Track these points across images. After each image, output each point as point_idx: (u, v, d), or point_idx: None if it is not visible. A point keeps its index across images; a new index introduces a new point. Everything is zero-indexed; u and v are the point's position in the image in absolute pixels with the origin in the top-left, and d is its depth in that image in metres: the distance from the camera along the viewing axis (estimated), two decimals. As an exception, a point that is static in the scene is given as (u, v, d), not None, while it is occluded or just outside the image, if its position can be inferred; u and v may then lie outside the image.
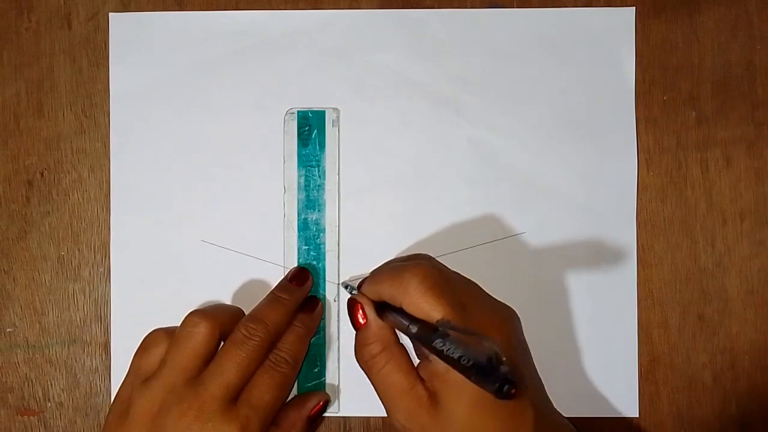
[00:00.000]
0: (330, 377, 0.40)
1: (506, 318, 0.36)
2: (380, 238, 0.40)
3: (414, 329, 0.34)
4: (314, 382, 0.40)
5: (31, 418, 0.41)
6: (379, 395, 0.36)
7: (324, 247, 0.40)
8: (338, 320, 0.40)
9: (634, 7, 0.41)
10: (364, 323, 0.37)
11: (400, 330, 0.35)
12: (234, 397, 0.34)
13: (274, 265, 0.40)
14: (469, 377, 0.31)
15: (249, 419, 0.33)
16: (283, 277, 0.40)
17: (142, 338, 0.36)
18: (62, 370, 0.41)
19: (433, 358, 0.34)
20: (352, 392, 0.40)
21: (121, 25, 0.41)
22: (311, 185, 0.40)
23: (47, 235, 0.41)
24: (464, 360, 0.31)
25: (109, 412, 0.35)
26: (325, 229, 0.40)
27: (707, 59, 0.41)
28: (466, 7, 0.41)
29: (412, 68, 0.41)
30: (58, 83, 0.41)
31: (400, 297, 0.35)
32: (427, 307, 0.34)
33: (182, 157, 0.41)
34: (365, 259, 0.40)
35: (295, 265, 0.40)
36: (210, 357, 0.35)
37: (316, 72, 0.41)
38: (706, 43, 0.41)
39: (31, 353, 0.41)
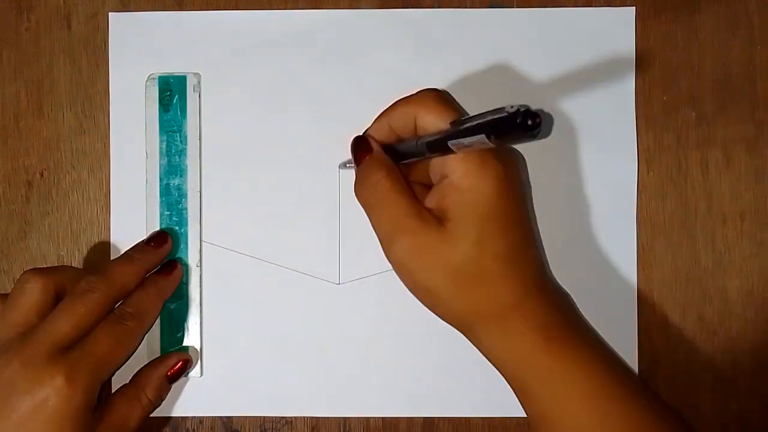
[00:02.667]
0: (192, 341, 0.40)
1: (517, 154, 0.36)
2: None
3: (428, 139, 0.33)
4: (177, 347, 0.40)
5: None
6: (379, 225, 0.35)
7: (186, 213, 0.40)
8: (200, 285, 0.40)
9: (634, 7, 0.41)
10: (369, 154, 0.36)
11: (411, 153, 0.34)
12: (67, 347, 0.34)
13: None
14: (491, 132, 0.28)
15: (77, 364, 0.33)
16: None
17: None
18: (62, 370, 0.41)
19: (451, 165, 0.33)
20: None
21: (120, 25, 0.41)
22: (173, 151, 0.40)
23: (47, 235, 0.41)
24: (483, 121, 0.29)
25: None
26: (187, 194, 0.40)
27: (707, 59, 0.41)
28: (466, 7, 0.41)
29: (411, 68, 0.41)
30: (57, 83, 0.41)
31: (415, 111, 0.34)
32: (445, 113, 0.33)
33: (182, 157, 0.41)
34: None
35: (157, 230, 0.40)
36: (46, 313, 0.35)
37: (316, 72, 0.41)
38: (706, 43, 0.41)
39: (30, 353, 0.41)
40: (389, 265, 0.40)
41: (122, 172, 0.41)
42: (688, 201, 0.41)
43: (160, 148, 0.40)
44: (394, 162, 0.36)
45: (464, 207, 0.33)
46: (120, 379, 0.38)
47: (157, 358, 0.39)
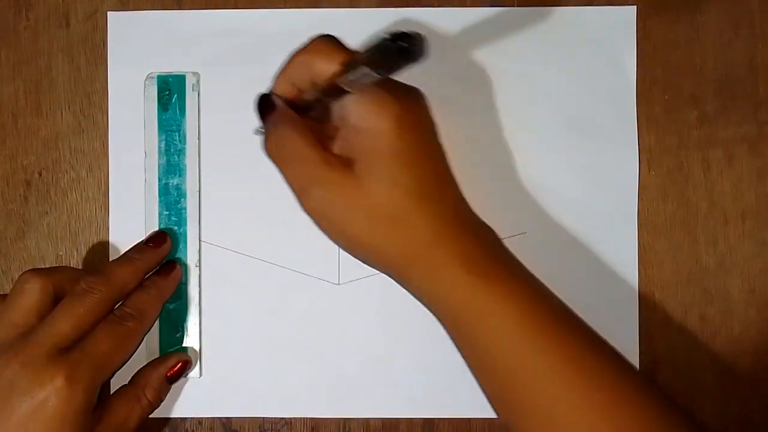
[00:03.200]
0: (191, 342, 0.40)
1: (420, 91, 0.35)
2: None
3: (323, 83, 0.33)
4: (176, 347, 0.40)
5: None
6: (292, 179, 0.34)
7: (185, 213, 0.40)
8: (199, 285, 0.40)
9: (635, 6, 0.41)
10: (274, 111, 0.35)
11: (311, 102, 0.34)
12: (66, 347, 0.33)
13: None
14: (372, 62, 0.28)
15: (77, 364, 0.33)
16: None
17: None
18: (61, 370, 0.41)
19: (349, 108, 0.33)
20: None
21: (119, 23, 0.41)
22: (172, 150, 0.40)
23: (45, 234, 0.41)
24: (367, 51, 0.28)
25: None
26: (186, 194, 0.40)
27: (709, 58, 0.41)
28: (466, 6, 0.41)
29: (411, 67, 0.41)
30: (56, 82, 0.41)
31: (309, 59, 0.34)
32: (338, 55, 0.33)
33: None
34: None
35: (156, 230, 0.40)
36: (45, 313, 0.35)
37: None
38: (708, 42, 0.41)
39: (29, 354, 0.41)
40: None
41: (121, 172, 0.41)
42: (690, 201, 0.41)
43: (159, 147, 0.40)
44: (299, 115, 0.35)
45: (367, 148, 0.33)
46: (119, 379, 0.37)
47: (156, 359, 0.39)
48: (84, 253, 0.41)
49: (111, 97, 0.41)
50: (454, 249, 0.33)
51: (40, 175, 0.41)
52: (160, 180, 0.40)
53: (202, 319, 0.40)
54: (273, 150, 0.35)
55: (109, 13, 0.41)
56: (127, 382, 0.38)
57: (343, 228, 0.34)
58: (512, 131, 0.41)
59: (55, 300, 0.35)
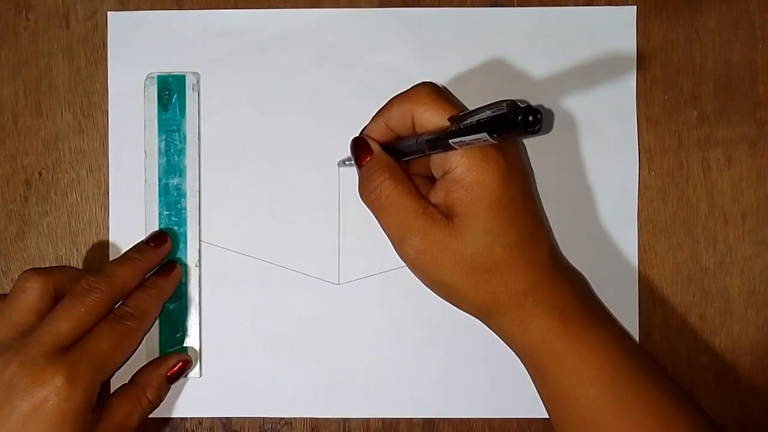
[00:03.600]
0: (191, 342, 0.40)
1: (517, 143, 0.36)
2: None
3: (428, 137, 0.33)
4: (176, 347, 0.40)
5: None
6: (389, 227, 0.35)
7: (185, 213, 0.40)
8: (199, 285, 0.40)
9: (635, 6, 0.41)
10: (369, 157, 0.36)
11: (411, 151, 0.35)
12: (66, 347, 0.34)
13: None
14: (492, 130, 0.29)
15: (77, 363, 0.33)
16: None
17: None
18: (61, 370, 0.41)
19: (453, 160, 0.33)
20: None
21: (119, 24, 0.41)
22: (172, 150, 0.40)
23: (45, 235, 0.41)
24: (483, 119, 0.30)
25: None
26: (186, 194, 0.40)
27: (709, 58, 0.41)
28: (466, 6, 0.41)
29: (411, 67, 0.41)
30: (56, 82, 0.41)
31: (411, 109, 0.35)
32: (442, 109, 0.34)
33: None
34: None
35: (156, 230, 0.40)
36: (45, 313, 0.35)
37: (316, 71, 0.41)
38: (708, 42, 0.41)
39: (29, 354, 0.41)
40: (389, 264, 0.40)
41: (121, 172, 0.41)
42: (690, 201, 0.41)
43: (159, 147, 0.40)
44: (395, 160, 0.36)
45: (470, 201, 0.33)
46: (120, 379, 0.37)
47: (156, 359, 0.39)
48: (84, 253, 0.41)
49: (111, 97, 0.41)
50: (550, 299, 0.34)
51: (40, 175, 0.41)
52: (160, 180, 0.40)
53: (202, 319, 0.40)
54: (369, 197, 0.35)
55: (109, 13, 0.41)
56: (127, 382, 0.38)
57: (439, 277, 0.35)
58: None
59: (56, 299, 0.36)
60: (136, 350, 0.37)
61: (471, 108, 0.32)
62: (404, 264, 0.36)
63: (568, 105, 0.41)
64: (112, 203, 0.41)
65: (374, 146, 0.36)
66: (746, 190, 0.41)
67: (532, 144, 0.40)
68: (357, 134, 0.38)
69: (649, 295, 0.41)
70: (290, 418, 0.41)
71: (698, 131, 0.41)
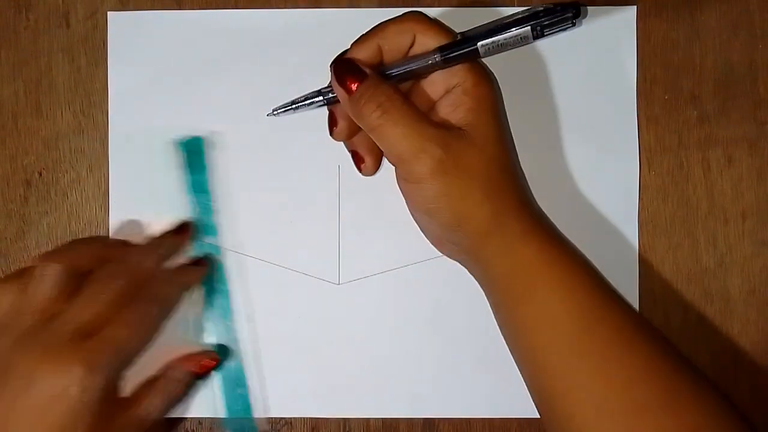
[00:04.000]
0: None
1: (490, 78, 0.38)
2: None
3: (437, 52, 0.35)
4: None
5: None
6: (400, 141, 0.34)
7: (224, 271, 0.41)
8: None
9: (636, 6, 0.41)
10: (362, 80, 0.35)
11: (409, 71, 0.36)
12: (86, 335, 0.33)
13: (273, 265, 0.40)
14: (532, 26, 0.34)
15: (96, 352, 0.33)
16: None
17: None
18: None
19: (459, 75, 0.35)
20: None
21: (119, 23, 0.41)
22: (203, 211, 0.40)
23: (45, 235, 0.41)
24: (528, 12, 0.34)
25: None
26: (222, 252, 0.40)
27: (709, 58, 0.41)
28: (466, 6, 0.41)
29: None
30: (56, 82, 0.41)
31: (412, 28, 0.35)
32: (443, 31, 0.36)
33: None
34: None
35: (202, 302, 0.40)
36: (65, 298, 0.34)
37: (316, 71, 0.41)
38: (708, 42, 0.41)
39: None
40: (389, 264, 0.40)
41: (121, 172, 0.41)
42: (690, 201, 0.41)
43: (191, 210, 0.40)
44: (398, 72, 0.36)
45: (481, 112, 0.35)
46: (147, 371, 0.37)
47: (186, 354, 0.39)
48: (84, 253, 0.41)
49: (111, 97, 0.41)
50: (539, 213, 0.37)
51: (40, 175, 0.41)
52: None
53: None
54: (368, 117, 0.34)
55: (109, 13, 0.41)
56: (155, 374, 0.37)
57: (451, 190, 0.34)
58: (512, 131, 0.41)
59: (76, 278, 0.35)
60: (156, 338, 0.36)
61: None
62: (415, 178, 0.35)
63: (568, 105, 0.41)
64: (112, 203, 0.41)
65: (367, 69, 0.35)
66: (746, 190, 0.41)
67: (531, 144, 0.40)
68: (340, 57, 0.37)
69: (649, 295, 0.41)
70: (290, 418, 0.41)
71: (698, 131, 0.41)
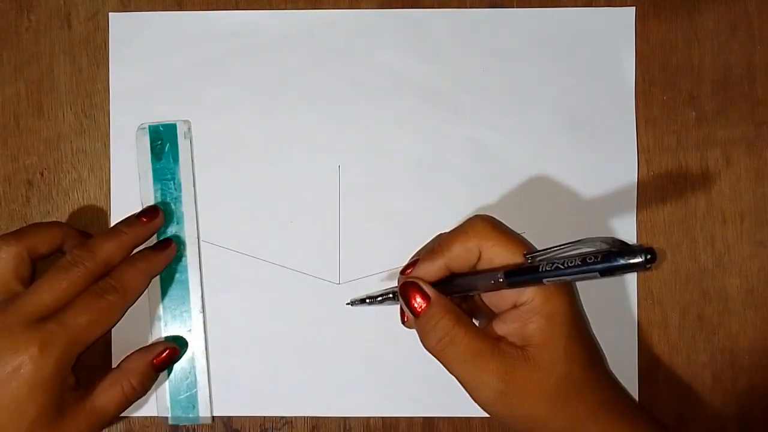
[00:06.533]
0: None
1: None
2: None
3: (502, 274, 0.33)
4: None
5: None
6: (463, 373, 0.34)
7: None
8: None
9: (634, 7, 0.41)
10: (426, 304, 0.35)
11: (475, 288, 0.35)
12: (45, 317, 0.34)
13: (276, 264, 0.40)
14: (601, 270, 0.30)
15: (53, 335, 0.33)
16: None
17: None
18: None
19: (529, 291, 0.34)
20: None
21: (120, 24, 0.41)
22: (168, 199, 0.40)
23: (47, 234, 0.41)
24: (590, 258, 0.30)
25: None
26: (185, 242, 0.40)
27: (707, 59, 0.41)
28: (466, 7, 0.41)
29: (411, 68, 0.41)
30: (58, 83, 0.41)
31: (479, 245, 0.34)
32: (511, 243, 0.34)
33: (182, 157, 0.41)
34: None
35: (159, 285, 0.40)
36: (23, 278, 0.36)
37: (316, 72, 0.41)
38: (706, 43, 0.41)
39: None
40: (389, 264, 0.40)
41: (122, 172, 0.41)
42: (688, 201, 0.41)
43: (155, 197, 0.40)
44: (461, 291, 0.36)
45: (551, 330, 0.34)
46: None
47: (144, 347, 0.39)
48: (85, 253, 0.41)
49: (112, 97, 0.41)
50: (619, 407, 0.36)
51: (42, 175, 0.41)
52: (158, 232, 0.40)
53: (206, 318, 0.40)
54: (438, 345, 0.35)
55: (110, 14, 0.41)
56: (114, 367, 0.38)
57: (522, 411, 0.34)
58: (512, 131, 0.41)
59: (32, 262, 0.36)
60: (116, 323, 0.36)
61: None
62: (478, 403, 0.35)
63: (567, 105, 0.41)
64: (113, 203, 0.41)
65: (431, 291, 0.35)
66: (744, 191, 0.41)
67: (531, 144, 0.41)
68: (406, 279, 0.36)
69: (647, 295, 0.41)
70: (291, 417, 0.41)
71: (697, 132, 0.41)
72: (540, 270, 0.32)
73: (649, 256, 0.28)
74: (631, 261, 0.29)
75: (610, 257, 0.29)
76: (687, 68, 0.41)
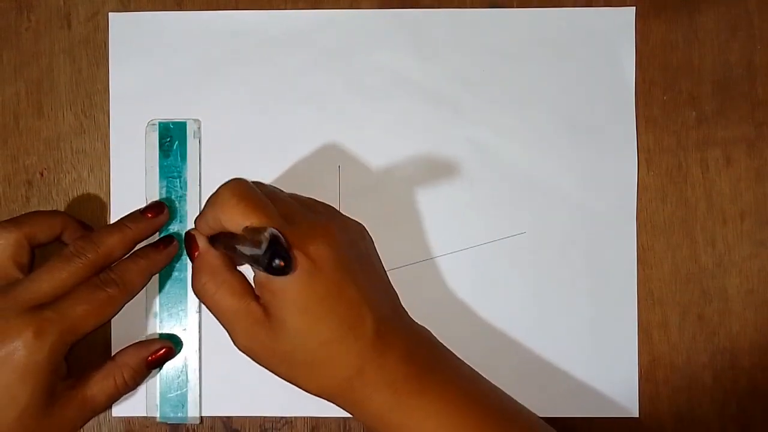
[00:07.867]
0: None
1: (331, 228, 0.34)
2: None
3: (222, 242, 0.34)
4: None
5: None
6: (220, 323, 0.35)
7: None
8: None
9: (634, 7, 0.41)
10: (197, 252, 0.36)
11: (229, 251, 0.35)
12: (42, 305, 0.34)
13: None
14: (251, 265, 0.31)
15: (48, 322, 0.33)
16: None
17: None
18: (62, 370, 0.41)
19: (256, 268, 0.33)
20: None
21: (120, 24, 0.41)
22: (173, 196, 0.40)
23: (47, 235, 0.41)
24: (244, 251, 0.31)
25: None
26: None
27: (707, 59, 0.41)
28: (466, 7, 0.41)
29: (411, 68, 0.41)
30: (57, 83, 0.41)
31: (219, 215, 0.34)
32: (239, 216, 0.33)
33: (182, 157, 0.41)
34: None
35: (157, 289, 0.40)
36: (22, 265, 0.36)
37: (316, 72, 0.41)
38: (707, 43, 0.41)
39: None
40: (389, 264, 0.40)
41: (122, 172, 0.41)
42: (688, 201, 0.41)
43: (160, 193, 0.40)
44: (222, 256, 0.35)
45: (279, 303, 0.33)
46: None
47: (140, 342, 0.39)
48: (85, 253, 0.41)
49: (112, 97, 0.41)
50: (377, 376, 0.34)
51: (42, 175, 0.41)
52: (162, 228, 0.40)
53: (202, 318, 0.40)
54: (197, 295, 0.35)
55: (110, 14, 0.41)
56: (108, 360, 0.38)
57: (270, 369, 0.35)
58: (512, 131, 0.41)
59: (31, 249, 0.36)
60: (113, 316, 0.36)
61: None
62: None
63: (567, 105, 0.41)
64: (113, 204, 0.41)
65: (200, 243, 0.36)
66: (745, 191, 0.41)
67: (531, 144, 0.41)
68: (189, 230, 0.37)
69: (648, 295, 0.41)
70: (291, 417, 0.41)
71: (697, 132, 0.41)
72: (233, 248, 0.33)
73: (275, 262, 0.30)
74: (258, 265, 0.30)
75: (260, 261, 0.30)
76: (687, 68, 0.41)
